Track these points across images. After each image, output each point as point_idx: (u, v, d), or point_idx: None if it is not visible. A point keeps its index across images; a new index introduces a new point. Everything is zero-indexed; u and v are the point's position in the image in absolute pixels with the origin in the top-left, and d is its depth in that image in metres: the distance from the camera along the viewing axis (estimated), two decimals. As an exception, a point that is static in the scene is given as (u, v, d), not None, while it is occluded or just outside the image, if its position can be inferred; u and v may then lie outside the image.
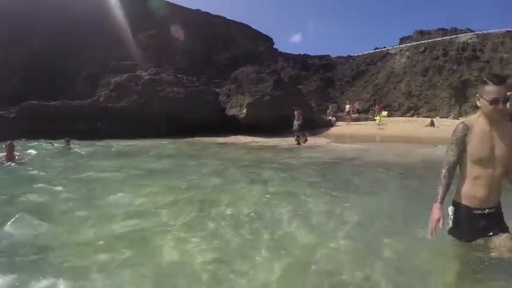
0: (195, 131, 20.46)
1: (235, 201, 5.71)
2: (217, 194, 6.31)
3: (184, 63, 32.04)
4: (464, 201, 3.05)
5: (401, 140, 18.96)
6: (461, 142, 2.97)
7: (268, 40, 49.89)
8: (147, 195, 6.09)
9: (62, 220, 4.68)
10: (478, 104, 2.99)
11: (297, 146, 16.86)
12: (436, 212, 2.92)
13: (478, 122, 3.01)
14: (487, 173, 2.95)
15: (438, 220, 2.88)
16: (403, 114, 40.07)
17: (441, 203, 2.95)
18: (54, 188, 6.59)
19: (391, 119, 33.28)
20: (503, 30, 46.87)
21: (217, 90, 26.39)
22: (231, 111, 23.60)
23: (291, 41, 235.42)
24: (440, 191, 2.98)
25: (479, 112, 3.04)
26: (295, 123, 19.52)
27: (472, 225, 3.06)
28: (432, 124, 25.69)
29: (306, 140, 17.55)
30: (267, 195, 6.15)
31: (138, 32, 33.68)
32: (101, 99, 22.31)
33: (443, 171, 3.02)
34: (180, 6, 43.67)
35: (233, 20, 48.18)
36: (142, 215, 4.91)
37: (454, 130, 3.06)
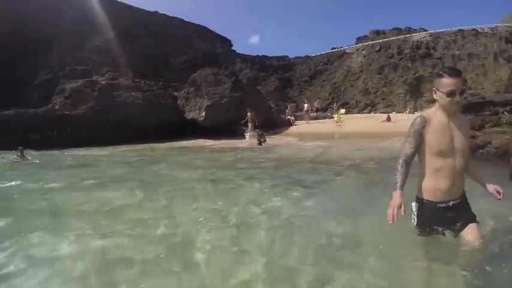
0: (154, 136, 20.25)
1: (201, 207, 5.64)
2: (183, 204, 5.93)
3: (142, 66, 31.53)
4: (427, 196, 3.04)
5: (360, 135, 19.59)
6: (418, 134, 2.97)
7: (226, 42, 49.91)
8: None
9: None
10: (435, 97, 3.01)
11: (258, 146, 17.06)
12: (396, 198, 2.81)
13: (435, 115, 3.02)
14: (448, 164, 2.97)
15: (399, 206, 2.75)
16: (360, 111, 41.04)
17: (401, 189, 2.86)
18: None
19: (349, 116, 34.09)
20: (455, 29, 49.33)
21: (176, 93, 26.25)
22: (190, 115, 23.51)
23: (250, 43, 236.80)
24: (399, 179, 2.90)
25: (436, 105, 3.05)
26: (249, 125, 20.39)
27: (438, 219, 3.06)
28: (389, 119, 26.54)
29: (265, 141, 17.79)
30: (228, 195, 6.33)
31: (94, 35, 33.07)
32: (56, 107, 21.69)
33: (400, 162, 2.97)
34: (137, 8, 43.26)
35: (191, 22, 48.14)
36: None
37: (412, 123, 3.05)
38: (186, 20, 48.00)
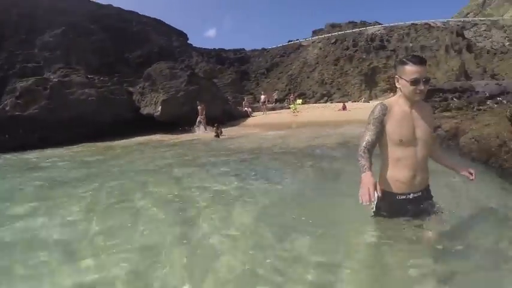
0: (110, 133, 19.92)
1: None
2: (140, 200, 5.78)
3: (95, 62, 30.87)
4: (386, 187, 2.93)
5: (316, 124, 20.36)
6: (379, 122, 2.87)
7: (182, 35, 49.48)
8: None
9: None
10: (397, 85, 2.91)
11: (216, 138, 17.22)
12: (368, 178, 2.59)
13: (397, 103, 2.94)
14: (409, 154, 2.88)
15: (374, 185, 2.53)
16: (317, 101, 42.23)
17: (370, 170, 2.67)
18: None
19: (306, 106, 34.94)
20: (408, 23, 51.57)
21: (131, 89, 25.91)
22: (145, 110, 23.29)
23: (206, 36, 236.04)
24: (365, 162, 2.72)
25: (398, 94, 2.96)
26: (199, 118, 20.58)
27: (397, 211, 3.02)
28: (344, 108, 27.44)
29: (221, 133, 18.04)
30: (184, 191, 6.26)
31: (44, 30, 32.12)
32: (7, 108, 21.04)
33: (362, 149, 2.81)
34: (89, 1, 42.10)
35: (146, 16, 47.36)
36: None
37: (372, 110, 2.97)
38: (141, 13, 47.10)
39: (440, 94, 12.60)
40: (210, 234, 3.90)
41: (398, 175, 2.91)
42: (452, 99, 12.09)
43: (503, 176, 5.44)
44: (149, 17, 47.45)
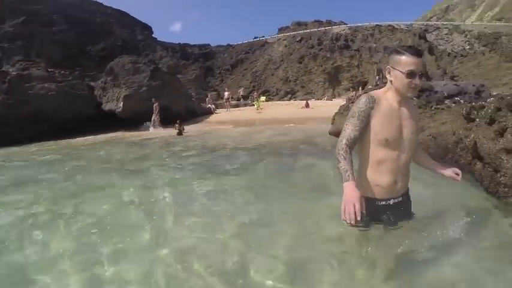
0: (71, 130, 19.40)
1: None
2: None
3: (56, 55, 30.24)
4: (366, 192, 2.61)
5: (279, 121, 20.52)
6: (364, 116, 2.55)
7: (147, 29, 48.84)
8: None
9: None
10: (389, 77, 2.61)
11: (178, 136, 16.99)
12: (352, 191, 2.30)
13: (385, 97, 2.64)
14: (393, 156, 2.61)
15: (360, 201, 2.25)
16: (281, 99, 42.78)
17: (354, 180, 2.39)
18: None
19: (269, 103, 35.31)
20: (373, 24, 52.89)
21: (92, 83, 25.49)
22: (107, 106, 22.93)
23: (172, 30, 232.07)
24: (347, 167, 2.41)
25: (388, 86, 2.67)
26: (153, 115, 20.55)
27: (375, 217, 2.72)
28: (307, 105, 28.02)
29: (183, 129, 18.00)
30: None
31: (3, 20, 31.12)
32: (-36, 103, 20.18)
33: (343, 147, 2.50)
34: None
35: (110, 7, 46.32)
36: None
37: (357, 102, 2.64)
38: (105, 4, 46.12)
39: None
40: (180, 237, 3.80)
41: (379, 180, 2.64)
42: (411, 98, 12.59)
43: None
44: (113, 9, 46.42)
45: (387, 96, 2.63)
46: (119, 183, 6.96)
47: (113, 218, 4.66)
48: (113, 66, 24.12)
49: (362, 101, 2.58)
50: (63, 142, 17.43)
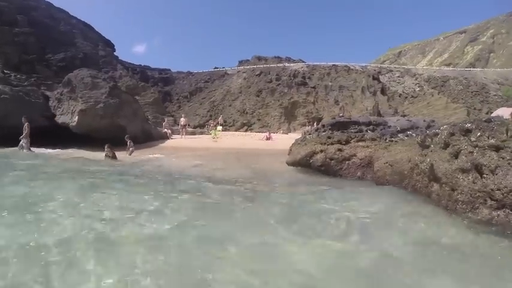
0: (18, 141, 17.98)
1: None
2: None
3: (15, 57, 28.96)
4: None
5: (235, 151, 20.49)
6: None
7: (109, 45, 48.17)
8: None
9: None
10: None
11: (110, 160, 15.28)
12: None
13: None
14: None
15: None
16: (237, 130, 43.56)
17: None
18: None
19: (226, 133, 35.74)
20: (330, 63, 55.41)
21: (48, 93, 24.78)
22: (61, 118, 22.25)
23: (135, 51, 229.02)
24: None
25: None
26: (22, 136, 17.97)
27: None
28: (269, 138, 28.47)
29: (114, 156, 15.92)
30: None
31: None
32: None
33: None
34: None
35: (76, 17, 45.39)
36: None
37: None
38: (71, 13, 45.08)
39: (356, 126, 13.63)
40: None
41: None
42: (367, 131, 13.12)
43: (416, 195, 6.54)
44: (79, 20, 45.56)
45: None
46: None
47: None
48: (71, 78, 23.16)
49: None
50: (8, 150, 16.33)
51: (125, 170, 12.46)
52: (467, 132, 5.62)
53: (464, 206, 5.09)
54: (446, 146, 5.91)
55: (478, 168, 4.98)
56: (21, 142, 17.86)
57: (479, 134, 5.32)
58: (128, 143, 18.09)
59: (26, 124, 18.01)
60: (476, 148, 5.21)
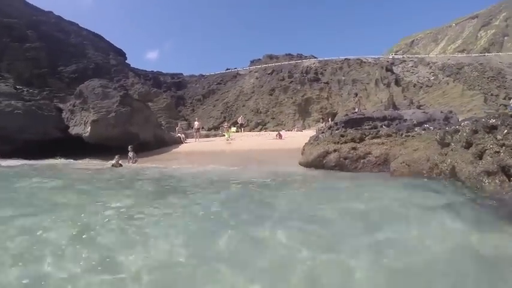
0: (35, 152, 18.42)
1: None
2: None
3: (27, 72, 29.17)
4: None
5: (248, 152, 20.00)
6: None
7: (120, 54, 48.48)
8: None
9: None
10: None
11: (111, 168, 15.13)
12: None
13: None
14: None
15: None
16: (251, 130, 43.06)
17: None
18: None
19: (240, 134, 35.33)
20: (342, 58, 54.55)
21: (61, 105, 24.88)
22: (74, 130, 22.32)
23: (147, 58, 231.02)
24: None
25: None
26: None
27: None
28: (280, 136, 27.99)
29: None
30: None
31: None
32: None
33: None
34: (26, 3, 40.03)
35: (86, 29, 45.99)
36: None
37: None
38: (82, 26, 45.69)
39: (370, 122, 13.11)
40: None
41: None
42: (381, 126, 12.67)
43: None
44: (89, 31, 46.09)
45: None
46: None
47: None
48: (82, 89, 23.30)
49: None
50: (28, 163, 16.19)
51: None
52: (491, 129, 5.10)
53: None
54: (468, 145, 5.39)
55: (506, 171, 4.50)
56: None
57: (505, 131, 4.79)
58: (131, 155, 17.88)
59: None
60: (503, 147, 4.71)
